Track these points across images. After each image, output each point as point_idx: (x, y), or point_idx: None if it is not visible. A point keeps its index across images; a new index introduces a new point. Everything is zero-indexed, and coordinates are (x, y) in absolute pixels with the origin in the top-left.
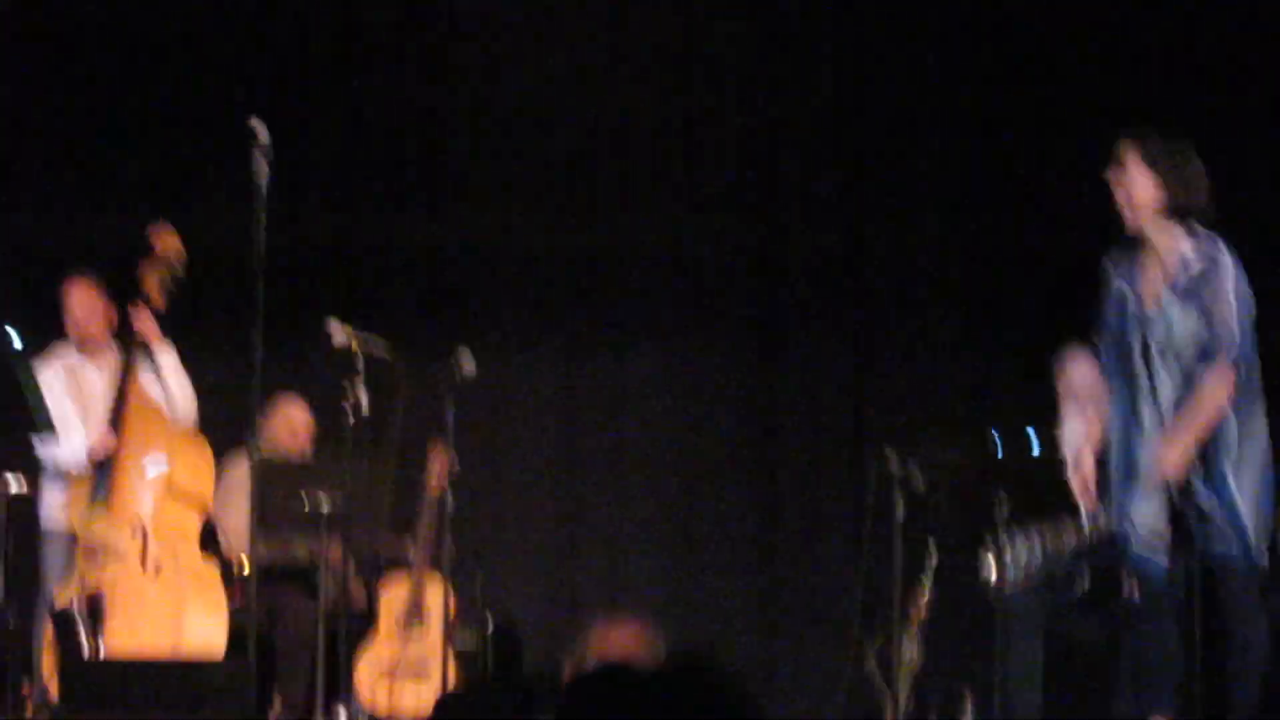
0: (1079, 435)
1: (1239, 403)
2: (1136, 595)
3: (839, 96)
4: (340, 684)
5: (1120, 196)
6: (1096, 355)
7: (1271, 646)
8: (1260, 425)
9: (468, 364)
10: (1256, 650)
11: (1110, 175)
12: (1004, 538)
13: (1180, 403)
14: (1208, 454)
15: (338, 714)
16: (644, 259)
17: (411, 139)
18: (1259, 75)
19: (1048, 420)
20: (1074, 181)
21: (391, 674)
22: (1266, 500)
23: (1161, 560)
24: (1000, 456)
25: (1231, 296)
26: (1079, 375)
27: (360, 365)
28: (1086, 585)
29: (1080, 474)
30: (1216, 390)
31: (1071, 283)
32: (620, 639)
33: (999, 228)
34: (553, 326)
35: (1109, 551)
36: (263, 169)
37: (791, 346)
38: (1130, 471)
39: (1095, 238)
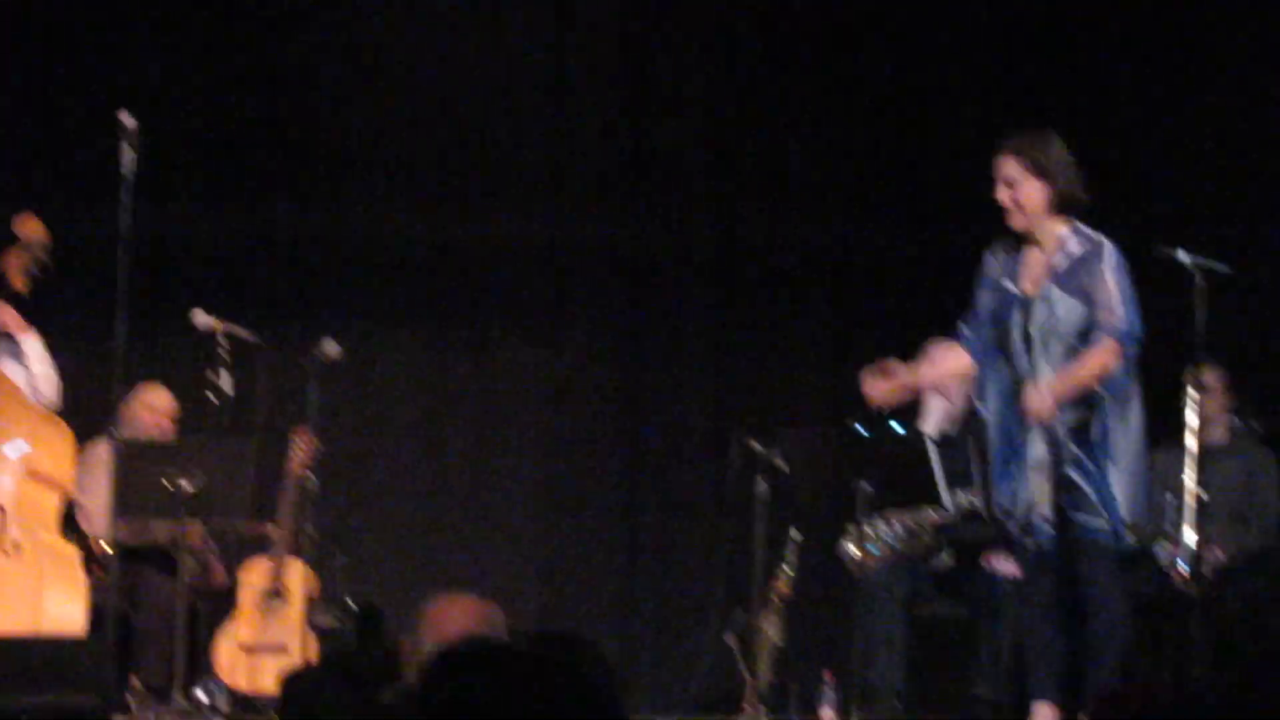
0: (939, 415)
1: (1119, 385)
2: (1010, 576)
3: (709, 88)
4: (200, 663)
5: (1008, 202)
6: (965, 344)
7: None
8: (1136, 410)
9: (331, 348)
10: (1118, 627)
11: (999, 192)
12: (865, 517)
13: None
14: (1086, 431)
15: (197, 693)
16: (511, 247)
17: (279, 128)
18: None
19: (909, 412)
20: (941, 177)
21: (251, 652)
22: (1137, 485)
23: (1043, 542)
24: (862, 438)
25: (1113, 282)
26: (942, 364)
27: (224, 349)
28: (948, 563)
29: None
30: (1101, 357)
31: (935, 277)
32: (457, 615)
33: (866, 221)
34: (419, 314)
35: (972, 530)
36: (129, 158)
37: (656, 334)
38: (1011, 456)
39: (960, 234)
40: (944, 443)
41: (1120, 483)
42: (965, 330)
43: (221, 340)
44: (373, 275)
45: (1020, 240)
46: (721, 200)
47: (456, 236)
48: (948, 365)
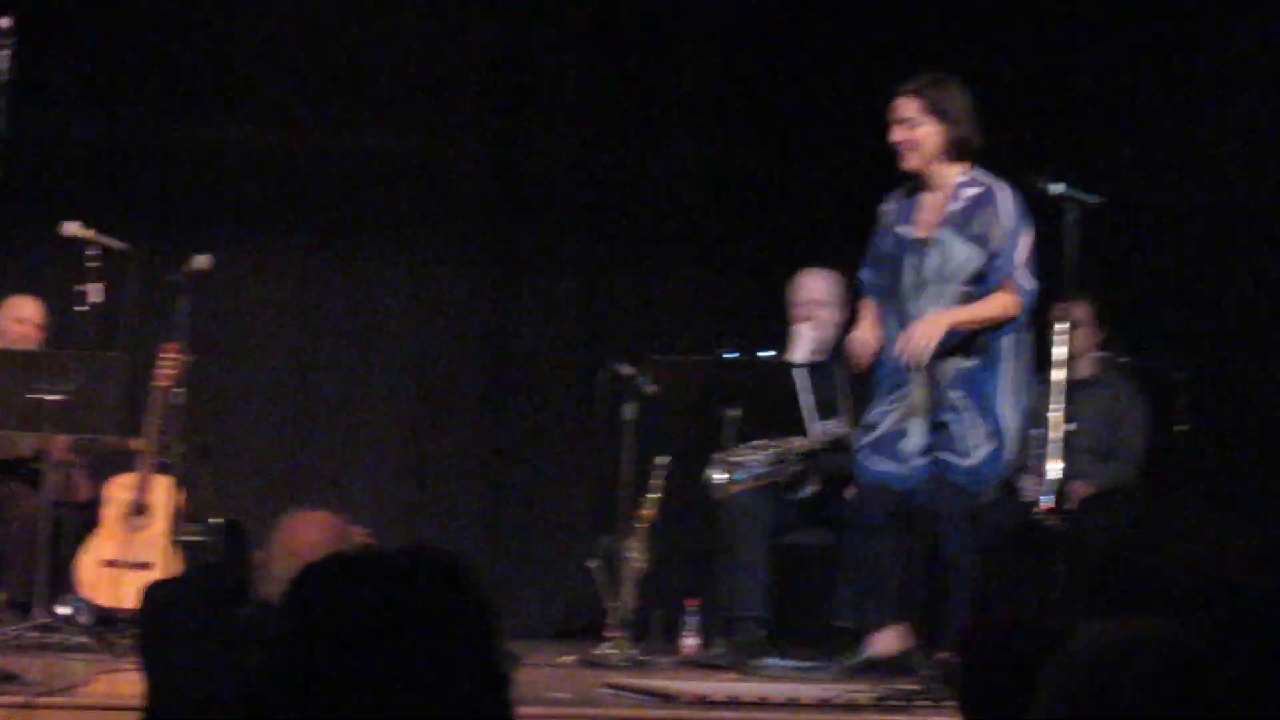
0: (808, 343)
1: (1010, 337)
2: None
3: (589, 9)
4: (63, 578)
5: (902, 141)
6: (864, 288)
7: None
8: (1024, 365)
9: (202, 261)
10: (969, 569)
11: (894, 133)
12: (731, 442)
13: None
14: (969, 377)
15: (59, 606)
16: (385, 166)
17: (160, 38)
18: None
19: (778, 343)
20: (810, 100)
21: (115, 568)
22: (1012, 439)
23: (897, 478)
24: (730, 365)
25: (1011, 226)
26: (809, 289)
27: (93, 258)
28: (812, 489)
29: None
30: (1003, 303)
31: (807, 203)
32: (312, 532)
33: (740, 148)
34: (290, 228)
35: (837, 459)
36: (4, 59)
37: (527, 254)
38: (890, 393)
39: (828, 159)
40: (812, 371)
41: (993, 432)
42: (864, 274)
43: (91, 251)
44: (244, 188)
45: (915, 185)
46: (595, 120)
47: (328, 149)
48: (821, 292)
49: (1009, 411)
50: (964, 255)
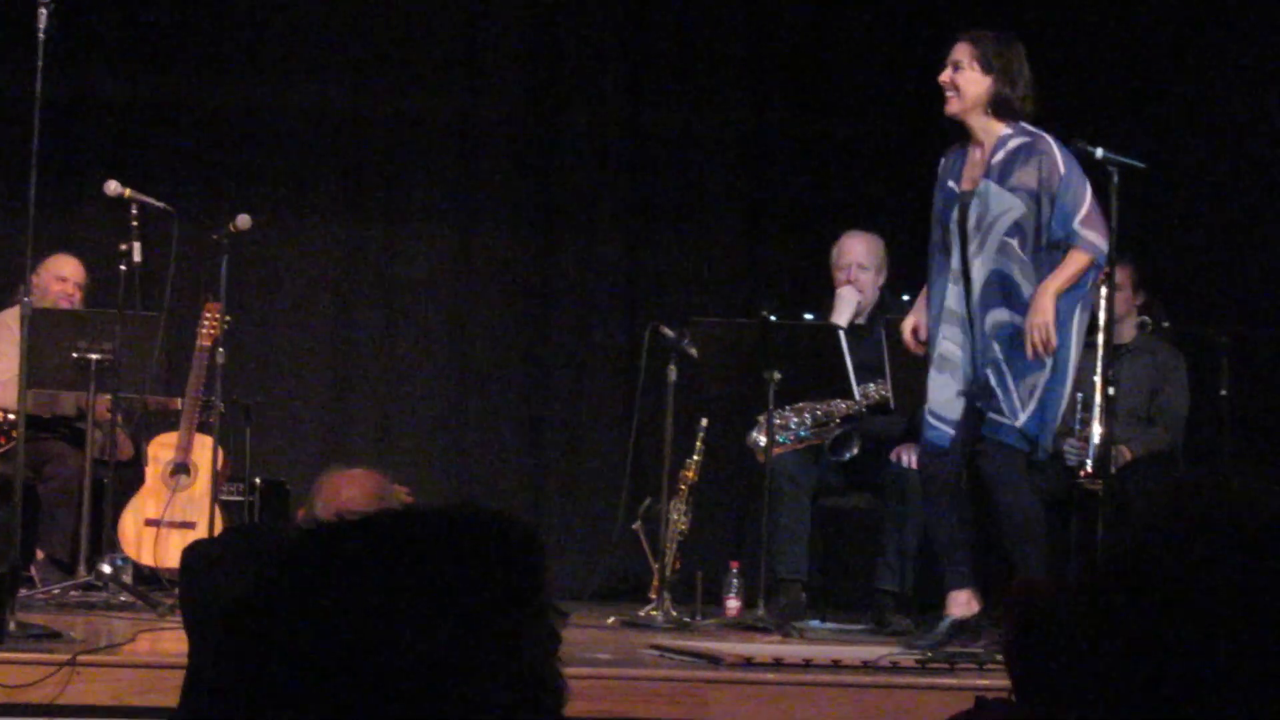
0: (850, 305)
1: (1071, 298)
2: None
3: None
4: (104, 537)
5: (946, 83)
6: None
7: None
8: (1079, 329)
9: (243, 220)
10: (1029, 528)
11: (944, 75)
12: (774, 404)
13: (991, 280)
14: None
15: (101, 566)
16: (427, 126)
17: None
18: None
19: (823, 305)
20: (854, 65)
21: (157, 527)
22: (1059, 402)
23: (933, 438)
24: (774, 328)
25: (1062, 180)
26: (852, 252)
27: (135, 217)
28: (855, 451)
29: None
30: (1078, 261)
31: (849, 166)
32: (353, 488)
33: (784, 109)
34: (332, 189)
35: (880, 422)
36: (45, 20)
37: (568, 218)
38: (935, 352)
39: (873, 122)
40: (854, 334)
41: (1043, 394)
42: (933, 235)
43: (133, 210)
44: (286, 149)
45: (968, 139)
46: (637, 80)
47: (369, 110)
48: (862, 254)
49: (1061, 371)
50: (1003, 205)
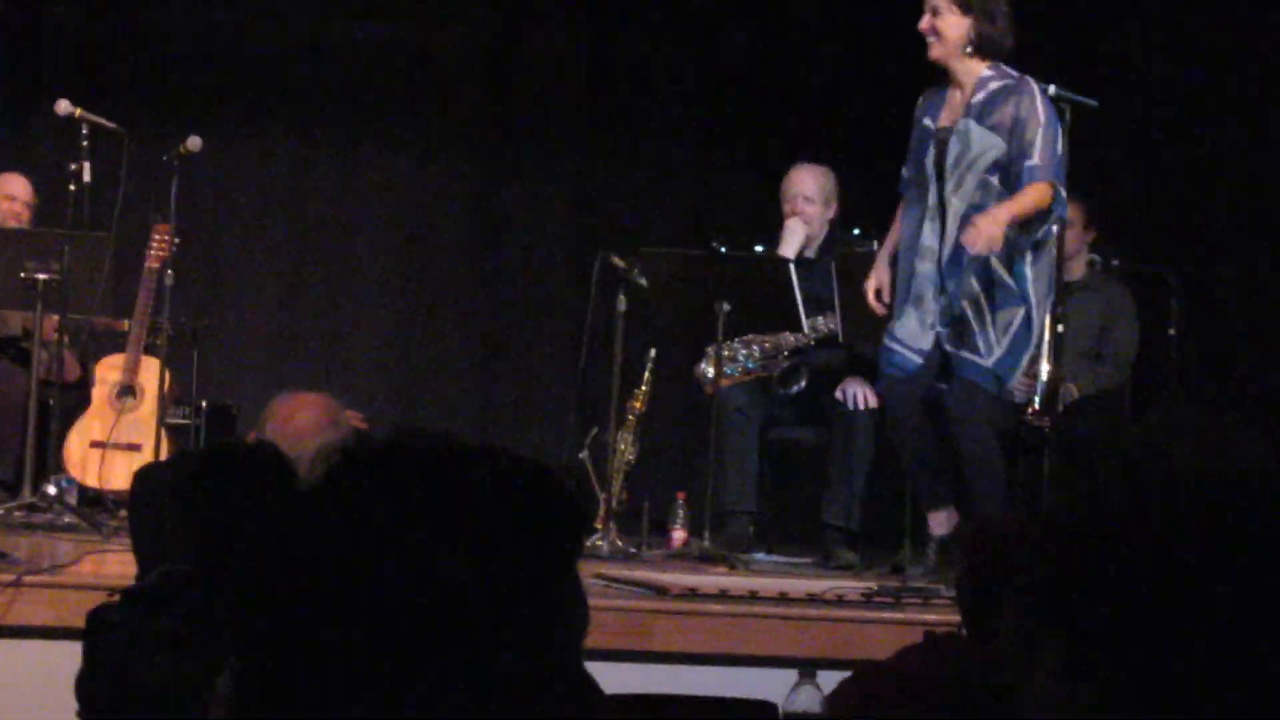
0: (798, 237)
1: (1039, 233)
2: (865, 404)
3: None
4: (50, 457)
5: (927, 29)
6: (903, 186)
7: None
8: (1048, 264)
9: (194, 142)
10: (990, 467)
11: (924, 21)
12: (723, 336)
13: (970, 216)
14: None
15: (47, 487)
16: (380, 53)
17: None
18: None
19: (774, 237)
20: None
21: (103, 449)
22: (1030, 338)
23: (906, 367)
24: (724, 260)
25: (1046, 129)
26: (801, 184)
27: (85, 137)
28: (803, 384)
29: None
30: (1037, 194)
31: (797, 97)
32: (304, 412)
33: (736, 40)
34: (283, 113)
35: (828, 355)
36: None
37: (520, 147)
38: (905, 286)
39: (834, 58)
40: (803, 266)
41: (1015, 335)
42: (903, 171)
43: (84, 130)
44: (238, 73)
45: (948, 80)
46: (589, 10)
47: (323, 35)
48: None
49: (1031, 310)
50: (983, 144)
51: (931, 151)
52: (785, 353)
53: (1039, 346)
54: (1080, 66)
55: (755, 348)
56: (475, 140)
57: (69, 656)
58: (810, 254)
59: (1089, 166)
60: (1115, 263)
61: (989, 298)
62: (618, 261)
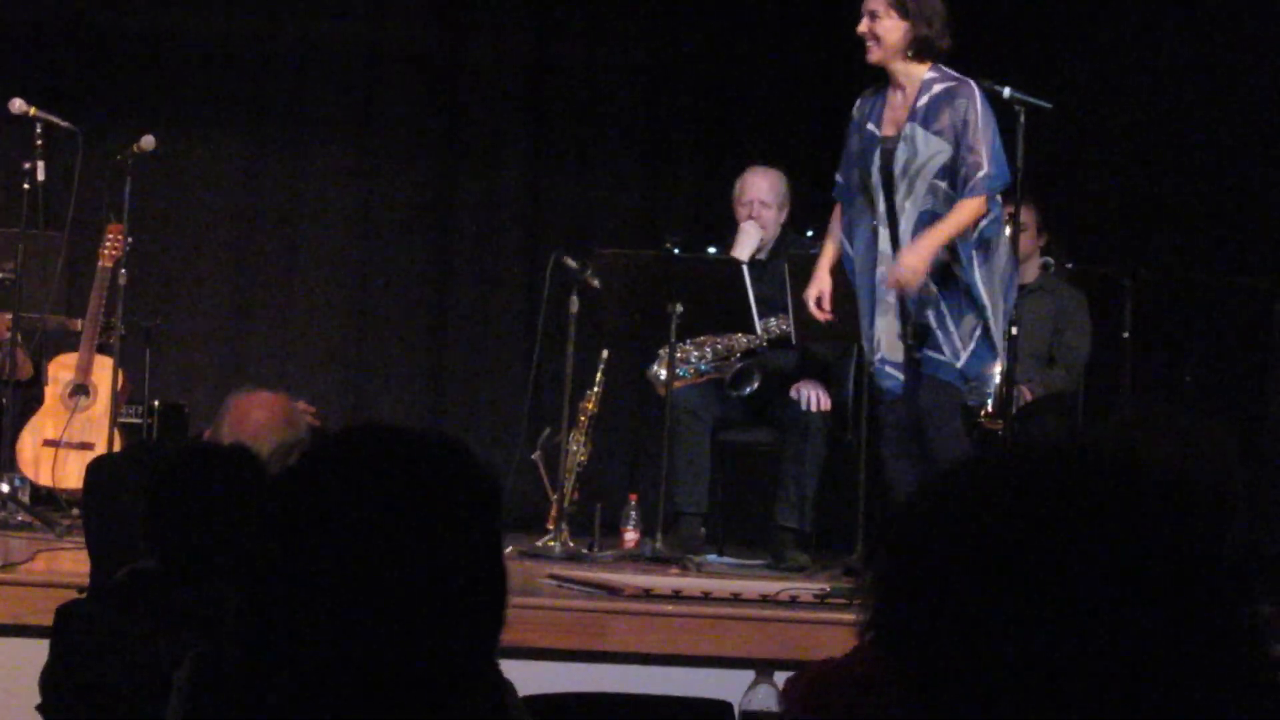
0: (753, 240)
1: (985, 234)
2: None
3: None
4: (3, 454)
5: (866, 33)
6: (837, 190)
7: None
8: (1002, 259)
9: (147, 142)
10: (954, 456)
11: (860, 24)
12: (675, 337)
13: (924, 221)
14: (951, 277)
15: (0, 484)
16: (330, 54)
17: None
18: None
19: (725, 240)
20: (765, 4)
21: (55, 447)
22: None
23: (890, 388)
24: (677, 261)
25: (983, 130)
26: (754, 188)
27: (39, 136)
28: (756, 385)
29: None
30: (968, 210)
31: (751, 99)
32: (259, 410)
33: (688, 42)
34: (234, 113)
35: (781, 357)
36: None
37: (470, 147)
38: (869, 296)
39: (787, 61)
40: (756, 269)
41: (980, 337)
42: (838, 176)
43: (38, 129)
44: (191, 72)
45: (884, 83)
46: (540, 10)
47: (275, 36)
48: (767, 191)
49: (990, 307)
50: (931, 149)
51: (878, 159)
52: (738, 354)
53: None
54: (1034, 68)
55: (708, 349)
56: (425, 140)
57: (23, 652)
58: (763, 256)
59: (1043, 169)
60: (1068, 266)
61: (952, 304)
62: (570, 262)
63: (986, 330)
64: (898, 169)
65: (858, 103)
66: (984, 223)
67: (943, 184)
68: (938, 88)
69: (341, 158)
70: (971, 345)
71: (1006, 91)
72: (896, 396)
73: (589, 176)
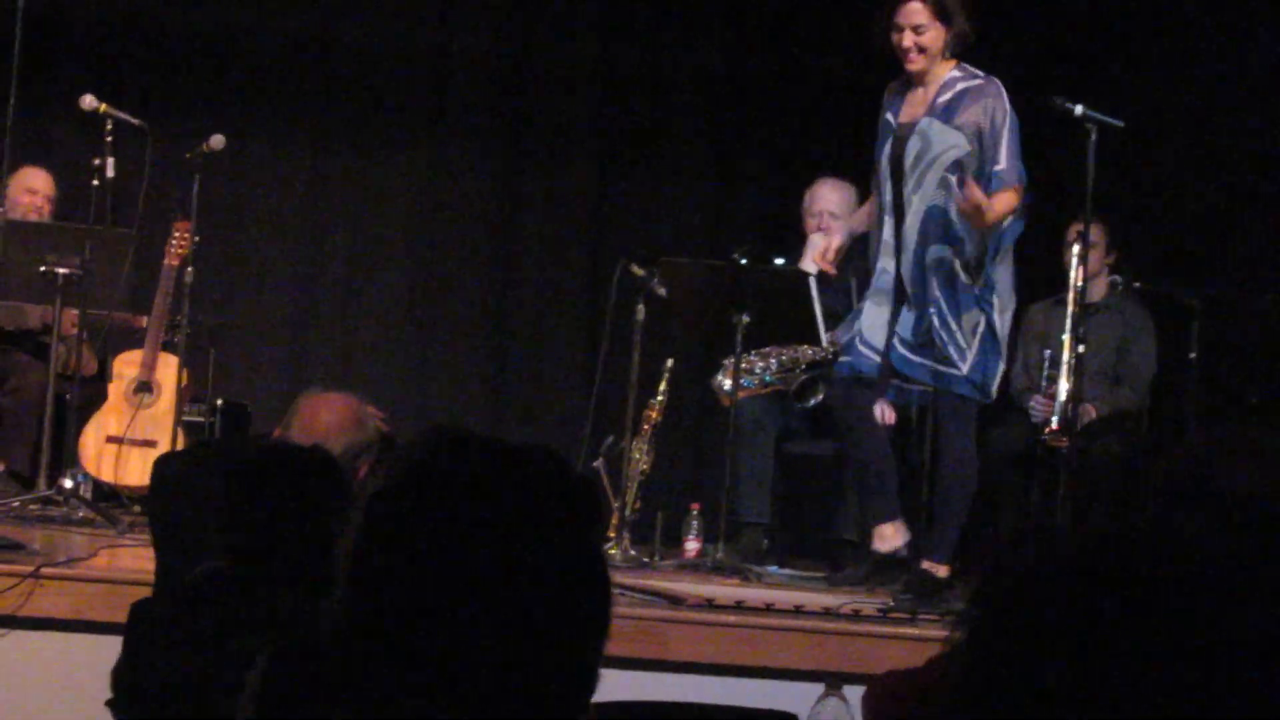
0: (817, 250)
1: (1007, 237)
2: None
3: None
4: (65, 451)
5: (912, 45)
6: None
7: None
8: (1009, 266)
9: (217, 141)
10: (964, 470)
11: (905, 38)
12: (740, 348)
13: (931, 215)
14: (954, 277)
15: (62, 480)
16: (399, 61)
17: None
18: None
19: (793, 250)
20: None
21: (118, 445)
22: (998, 343)
23: (860, 367)
24: (743, 272)
25: (1010, 130)
26: (824, 199)
27: (109, 133)
28: (820, 398)
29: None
30: (1008, 200)
31: (826, 114)
32: (330, 411)
33: (760, 50)
34: (304, 116)
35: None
36: None
37: (537, 151)
38: (868, 280)
39: (841, 61)
40: (823, 280)
41: (983, 335)
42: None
43: (108, 126)
44: (262, 72)
45: (909, 78)
46: (610, 15)
47: (345, 39)
48: (835, 201)
49: (993, 315)
50: (946, 142)
51: (889, 148)
52: (803, 366)
53: (1049, 362)
54: (1105, 86)
55: (773, 360)
56: (492, 143)
57: (86, 648)
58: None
59: (1113, 188)
60: (1136, 284)
61: (951, 302)
62: (637, 270)
63: (991, 328)
64: (908, 160)
65: (886, 92)
66: (1008, 222)
67: (953, 178)
68: (961, 85)
69: (408, 160)
70: (976, 344)
71: (1078, 109)
72: (870, 379)
73: (656, 184)
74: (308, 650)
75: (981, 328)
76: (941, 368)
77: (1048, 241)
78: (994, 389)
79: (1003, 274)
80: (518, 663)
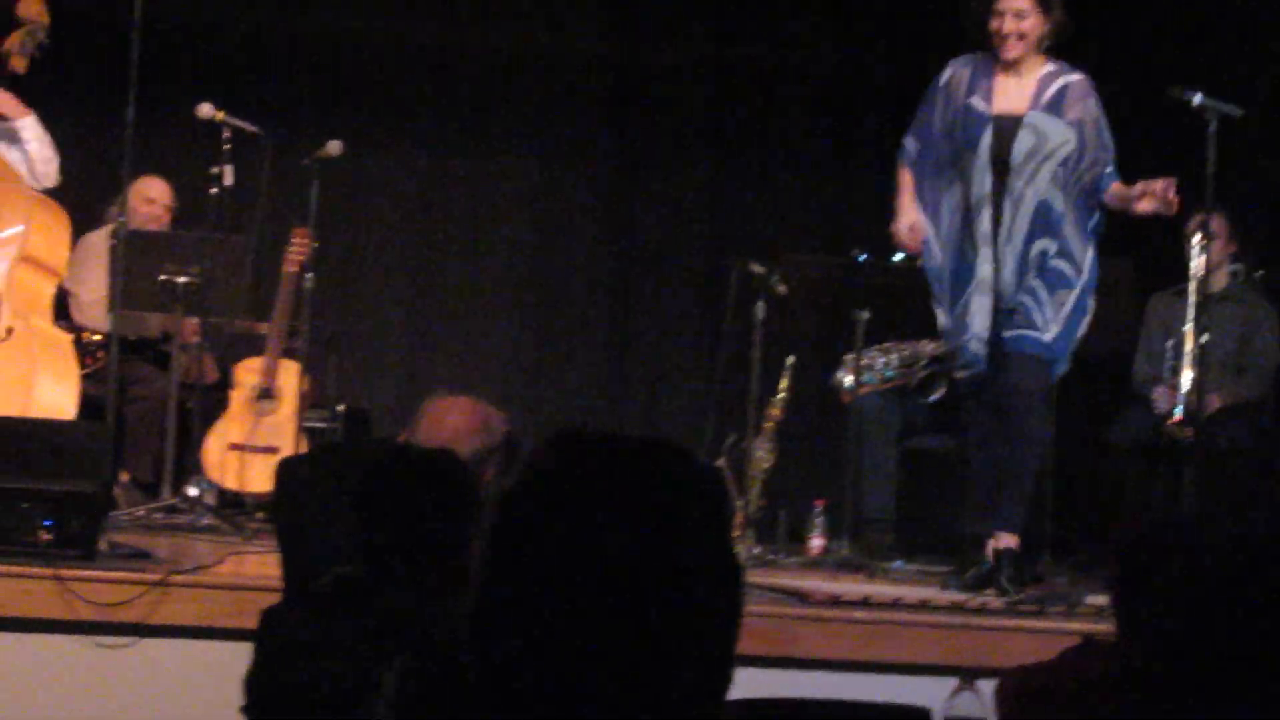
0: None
1: (1099, 225)
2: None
3: None
4: (189, 458)
5: (1013, 32)
6: (905, 156)
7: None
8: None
9: (335, 147)
10: (1035, 444)
11: (1007, 24)
12: (861, 344)
13: (1040, 209)
14: (1046, 260)
15: (186, 488)
16: (512, 59)
17: None
18: None
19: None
20: (950, 8)
21: (241, 451)
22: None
23: (978, 370)
24: (862, 268)
25: (1103, 119)
26: None
27: (226, 140)
28: (942, 392)
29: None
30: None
31: None
32: (455, 415)
33: (865, 44)
34: (420, 122)
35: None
36: None
37: (653, 152)
38: (964, 275)
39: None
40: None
41: (1069, 313)
42: (910, 141)
43: (225, 134)
44: (377, 78)
45: (984, 59)
46: (719, 18)
47: (458, 44)
48: None
49: (1085, 291)
50: (1060, 138)
51: (989, 139)
52: (923, 361)
53: (1173, 352)
54: (1224, 74)
55: (894, 355)
56: (606, 147)
57: (215, 655)
58: None
59: (1234, 177)
60: (1259, 274)
61: (1047, 287)
62: (756, 268)
63: (1079, 306)
64: (1018, 154)
65: (949, 71)
66: (1098, 215)
67: (1063, 172)
68: (1062, 79)
69: (523, 164)
70: (1062, 319)
71: (1197, 98)
72: (985, 374)
73: (772, 182)
74: (444, 653)
75: (1069, 305)
76: (1021, 331)
77: (1168, 232)
78: (1065, 366)
79: (1092, 259)
80: (654, 659)
